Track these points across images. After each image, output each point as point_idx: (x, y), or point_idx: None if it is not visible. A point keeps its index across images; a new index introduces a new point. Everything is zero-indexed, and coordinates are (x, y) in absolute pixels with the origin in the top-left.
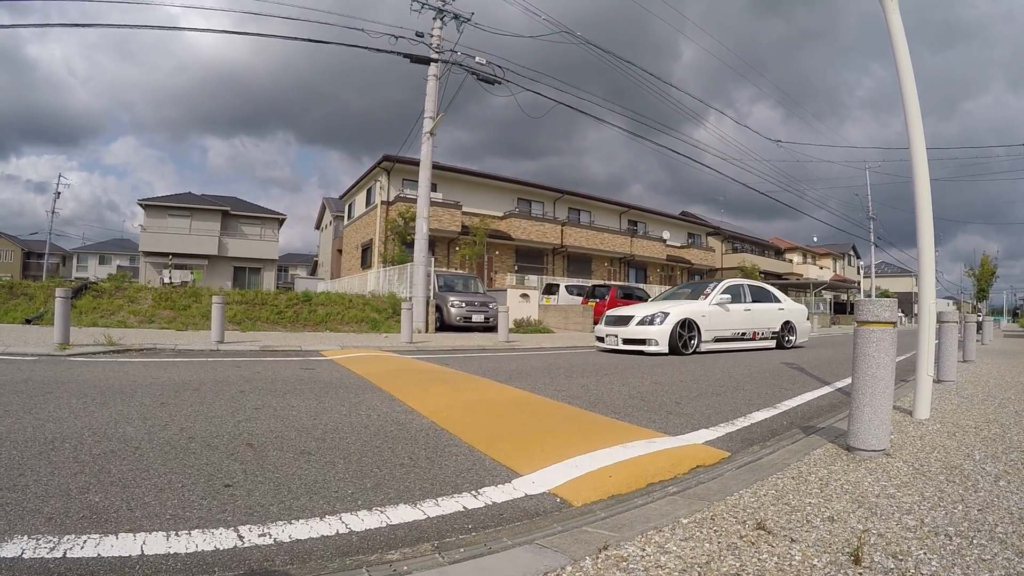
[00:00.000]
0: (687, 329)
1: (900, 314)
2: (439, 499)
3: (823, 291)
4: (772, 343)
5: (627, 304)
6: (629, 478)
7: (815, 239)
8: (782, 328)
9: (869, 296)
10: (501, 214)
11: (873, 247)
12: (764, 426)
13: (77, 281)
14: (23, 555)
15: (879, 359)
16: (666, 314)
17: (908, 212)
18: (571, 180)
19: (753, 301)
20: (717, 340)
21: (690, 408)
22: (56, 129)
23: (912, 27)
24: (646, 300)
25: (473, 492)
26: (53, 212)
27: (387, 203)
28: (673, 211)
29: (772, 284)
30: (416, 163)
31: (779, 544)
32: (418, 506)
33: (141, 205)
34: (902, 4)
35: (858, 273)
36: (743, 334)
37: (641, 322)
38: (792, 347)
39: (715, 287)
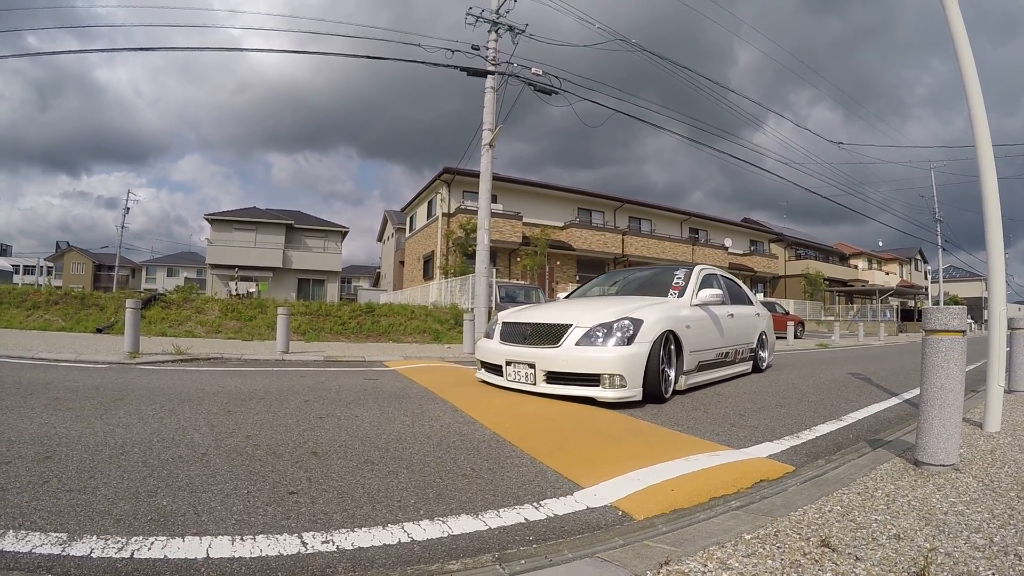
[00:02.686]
0: (666, 351)
1: (969, 320)
2: (500, 510)
3: (889, 298)
4: (748, 365)
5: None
6: (691, 492)
7: (880, 243)
8: (758, 343)
9: (937, 302)
10: (561, 224)
11: (940, 251)
12: (829, 439)
13: (146, 292)
14: (92, 554)
15: (948, 369)
16: (635, 323)
17: (976, 213)
18: (631, 189)
19: (732, 301)
20: (701, 367)
21: (754, 420)
22: (125, 148)
23: (971, 19)
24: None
25: (534, 504)
26: (123, 227)
27: (448, 215)
28: (735, 218)
29: (836, 291)
30: (476, 175)
31: (843, 562)
32: (479, 517)
33: (207, 219)
34: None
35: (925, 278)
36: (725, 355)
37: (588, 338)
38: (766, 369)
39: (688, 277)
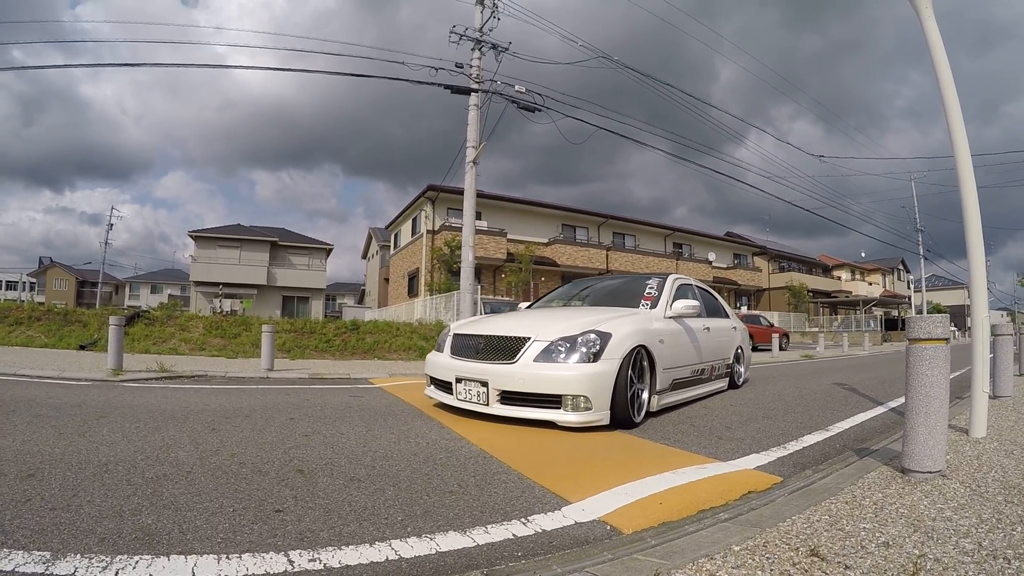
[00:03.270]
0: (637, 369)
1: (953, 328)
2: (488, 526)
3: (873, 308)
4: (725, 382)
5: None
6: (680, 505)
7: (863, 255)
8: (735, 358)
9: (920, 311)
10: (546, 240)
11: (923, 260)
12: (816, 449)
13: (130, 309)
14: (76, 573)
15: (932, 377)
16: (603, 337)
17: (957, 222)
18: (615, 205)
19: (708, 314)
20: (675, 386)
21: (740, 432)
22: (109, 164)
23: (948, 32)
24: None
25: (522, 519)
26: (106, 243)
27: (432, 232)
28: (718, 232)
29: (820, 303)
30: (460, 192)
31: (833, 571)
32: (467, 533)
33: (192, 236)
34: (937, 9)
35: (908, 288)
36: (701, 372)
37: (548, 354)
38: (743, 384)
39: (662, 287)
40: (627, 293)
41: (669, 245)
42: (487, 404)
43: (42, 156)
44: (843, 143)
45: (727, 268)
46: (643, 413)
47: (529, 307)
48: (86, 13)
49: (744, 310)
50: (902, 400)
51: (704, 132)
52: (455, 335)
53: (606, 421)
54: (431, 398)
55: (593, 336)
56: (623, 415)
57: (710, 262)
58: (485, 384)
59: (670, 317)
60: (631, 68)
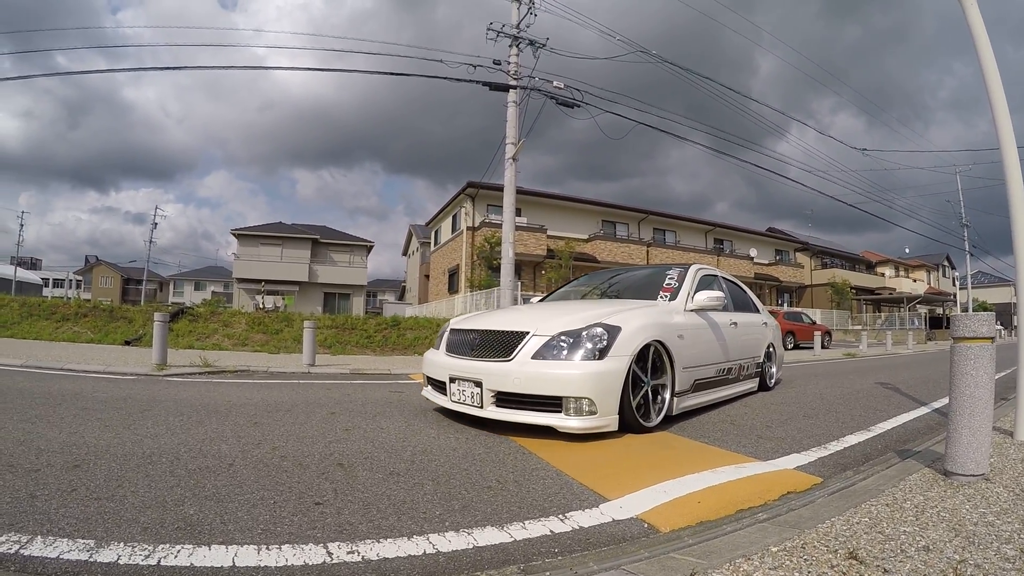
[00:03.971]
0: (651, 367)
1: (999, 327)
2: (526, 522)
3: (917, 305)
4: (754, 383)
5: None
6: (718, 504)
7: (907, 250)
8: (766, 357)
9: (966, 309)
10: (586, 236)
11: (968, 256)
12: (858, 450)
13: (174, 306)
14: (119, 560)
15: (977, 377)
16: (611, 331)
17: (1003, 217)
18: (655, 200)
19: (736, 308)
20: (697, 387)
21: (781, 432)
22: (153, 165)
23: (992, 19)
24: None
25: (560, 516)
26: (151, 241)
27: (472, 229)
28: (760, 227)
29: (863, 300)
30: (500, 189)
31: (872, 575)
32: (505, 529)
33: (234, 235)
34: None
35: (953, 285)
36: (727, 371)
37: (548, 350)
38: (775, 386)
39: (683, 277)
40: (647, 285)
41: (710, 241)
42: (481, 407)
43: (87, 158)
44: (886, 136)
45: (769, 264)
46: (660, 417)
47: (542, 299)
48: (127, 19)
49: (786, 307)
50: (946, 400)
51: (744, 126)
52: (451, 330)
53: (614, 427)
54: (428, 400)
55: (599, 330)
56: (634, 420)
57: (751, 258)
58: (479, 384)
59: (691, 310)
60: (669, 62)
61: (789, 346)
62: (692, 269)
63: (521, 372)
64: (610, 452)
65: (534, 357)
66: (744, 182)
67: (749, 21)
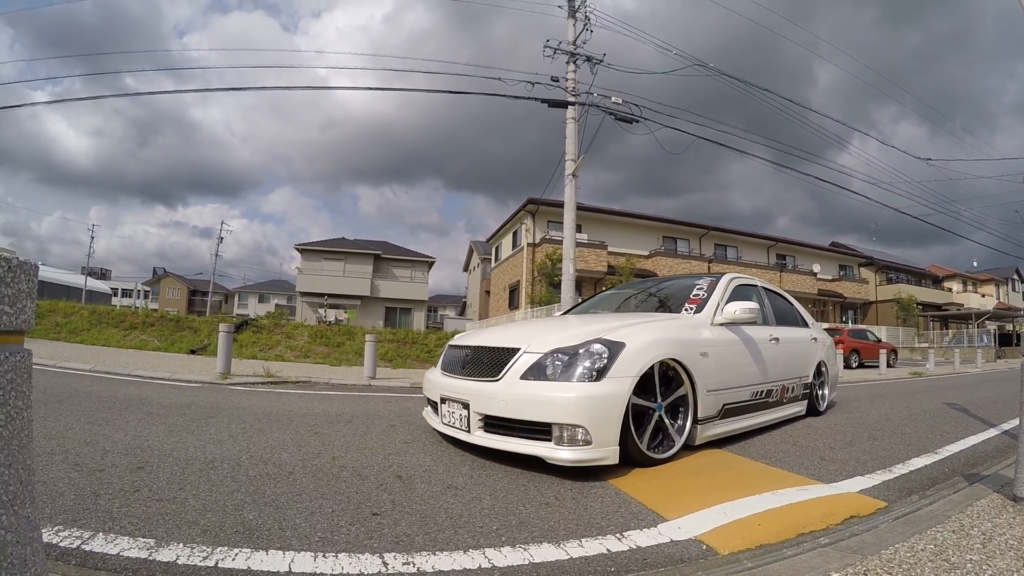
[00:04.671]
0: (662, 389)
1: None
2: (583, 540)
3: (986, 321)
4: (801, 406)
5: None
6: (778, 527)
7: (975, 264)
8: (815, 376)
9: None
10: (647, 253)
11: None
12: (924, 473)
13: (238, 317)
14: (177, 560)
15: None
16: (612, 348)
17: None
18: (716, 215)
19: (777, 322)
20: (727, 412)
21: (844, 454)
22: (219, 182)
23: None
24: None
25: (617, 535)
26: (216, 255)
27: (533, 245)
28: (822, 242)
29: (929, 316)
30: (560, 205)
31: None
32: (561, 546)
33: (298, 249)
34: None
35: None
36: (767, 394)
37: (539, 369)
38: (827, 410)
39: (713, 287)
40: (675, 296)
41: (772, 256)
42: (469, 431)
43: (156, 174)
44: (950, 144)
45: (832, 280)
46: (676, 448)
47: (565, 312)
48: (193, 42)
49: (850, 324)
50: (1016, 422)
51: (805, 138)
52: (448, 346)
53: (613, 460)
54: (427, 421)
55: (599, 347)
56: (639, 452)
57: (815, 274)
58: (467, 406)
59: (721, 324)
60: (727, 74)
61: (854, 364)
62: (725, 278)
63: (508, 394)
64: (670, 471)
65: (523, 377)
66: (806, 196)
67: (806, 30)
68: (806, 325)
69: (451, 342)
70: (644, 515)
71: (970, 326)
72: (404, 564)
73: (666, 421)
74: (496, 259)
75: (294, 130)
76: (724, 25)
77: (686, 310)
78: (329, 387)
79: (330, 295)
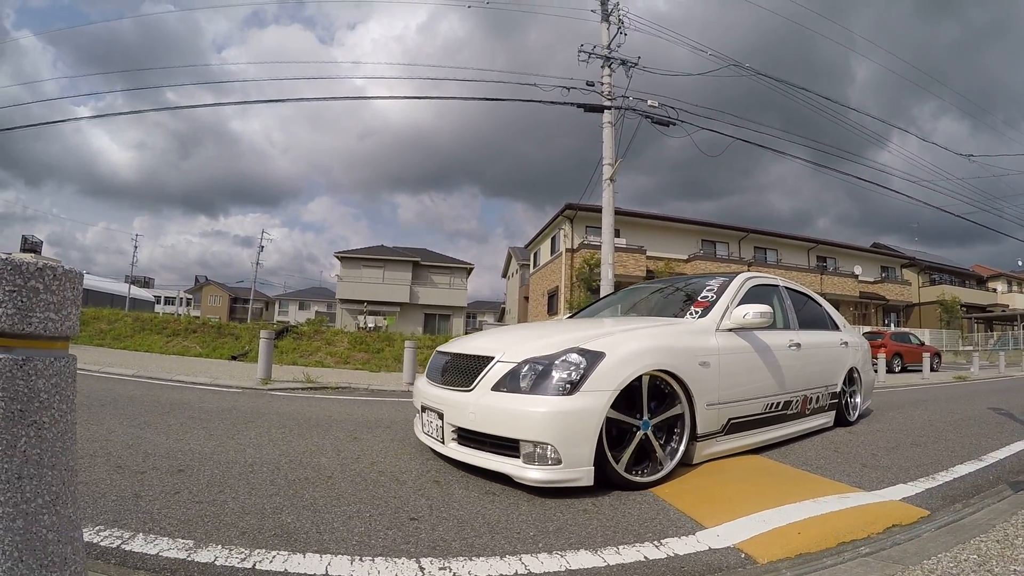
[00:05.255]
0: (652, 404)
1: None
2: (620, 547)
3: None
4: (829, 417)
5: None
6: (819, 535)
7: (1020, 263)
8: (846, 384)
9: None
10: (686, 257)
11: None
12: (968, 481)
13: (279, 324)
14: (215, 562)
15: None
16: (590, 358)
17: None
18: (755, 218)
19: (801, 326)
20: (733, 427)
21: (886, 460)
22: (259, 192)
23: None
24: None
25: (655, 542)
26: (257, 263)
27: (571, 250)
28: (864, 243)
29: (974, 318)
30: (598, 210)
31: None
32: (598, 553)
33: (337, 257)
34: None
35: None
36: (785, 405)
37: (512, 380)
38: (857, 419)
39: (723, 289)
40: (683, 299)
41: (812, 259)
42: (443, 442)
43: (198, 185)
44: (992, 140)
45: (874, 282)
46: (668, 469)
47: (571, 316)
48: (231, 56)
49: (893, 327)
50: None
51: (844, 136)
52: (435, 352)
53: (587, 481)
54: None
55: (575, 357)
56: (617, 475)
57: (856, 276)
58: (441, 416)
59: (728, 330)
60: (763, 74)
61: (896, 369)
62: (739, 278)
63: (478, 405)
64: (709, 479)
65: (494, 388)
66: (846, 196)
67: (842, 26)
68: (836, 328)
69: (439, 348)
70: (682, 522)
71: (1016, 328)
72: (440, 569)
73: (653, 440)
74: (534, 265)
75: (333, 140)
76: (758, 23)
77: (691, 314)
78: (368, 393)
79: (369, 302)
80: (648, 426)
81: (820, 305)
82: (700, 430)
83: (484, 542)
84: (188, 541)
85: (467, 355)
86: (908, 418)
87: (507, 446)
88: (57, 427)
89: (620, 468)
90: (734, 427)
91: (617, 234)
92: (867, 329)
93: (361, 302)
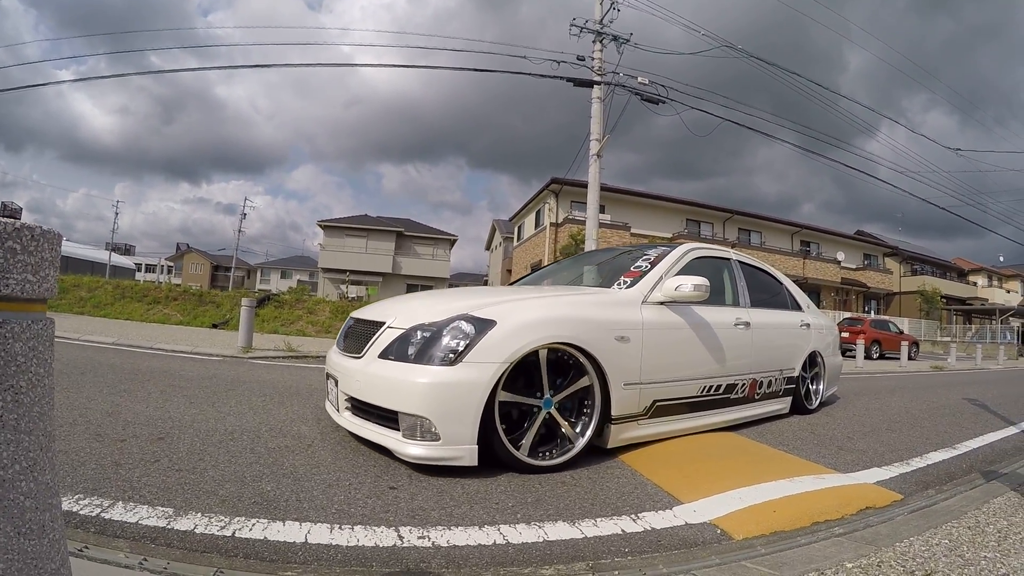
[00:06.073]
0: (557, 380)
1: None
2: (598, 520)
3: (1010, 318)
4: (784, 403)
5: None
6: (794, 515)
7: (1001, 259)
8: (806, 369)
9: None
10: (670, 235)
11: None
12: (941, 468)
13: (260, 293)
14: (195, 530)
15: None
16: (479, 326)
17: None
18: (740, 200)
19: (755, 304)
20: (660, 410)
21: (862, 444)
22: (243, 159)
23: None
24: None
25: (632, 516)
26: (239, 231)
27: (556, 225)
28: (847, 230)
29: (953, 310)
30: (584, 185)
31: None
32: (576, 525)
33: (320, 226)
34: None
35: None
36: (729, 388)
37: (401, 346)
38: (819, 406)
39: (662, 257)
40: (619, 268)
41: (796, 243)
42: (339, 411)
43: (181, 152)
44: (980, 136)
45: (856, 269)
46: (573, 453)
47: (513, 283)
48: (217, 20)
49: (873, 315)
50: None
51: (833, 123)
52: (348, 320)
53: (469, 461)
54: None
55: (463, 325)
56: (508, 455)
57: (839, 262)
58: (337, 383)
59: (658, 303)
60: (755, 56)
61: (875, 355)
62: (680, 249)
63: (363, 373)
64: (687, 454)
65: (381, 356)
66: (832, 183)
67: (838, 14)
68: (798, 308)
69: (352, 315)
70: (660, 497)
71: (993, 321)
72: (419, 538)
73: (558, 418)
74: (518, 238)
75: (318, 107)
76: (754, 5)
77: (618, 284)
78: None
79: (352, 271)
80: (551, 404)
81: (780, 282)
82: (616, 411)
83: (463, 512)
84: (168, 509)
85: (364, 320)
86: (884, 404)
87: (390, 418)
88: (35, 392)
89: (521, 452)
90: (661, 410)
91: (602, 210)
92: (847, 315)
93: (344, 271)
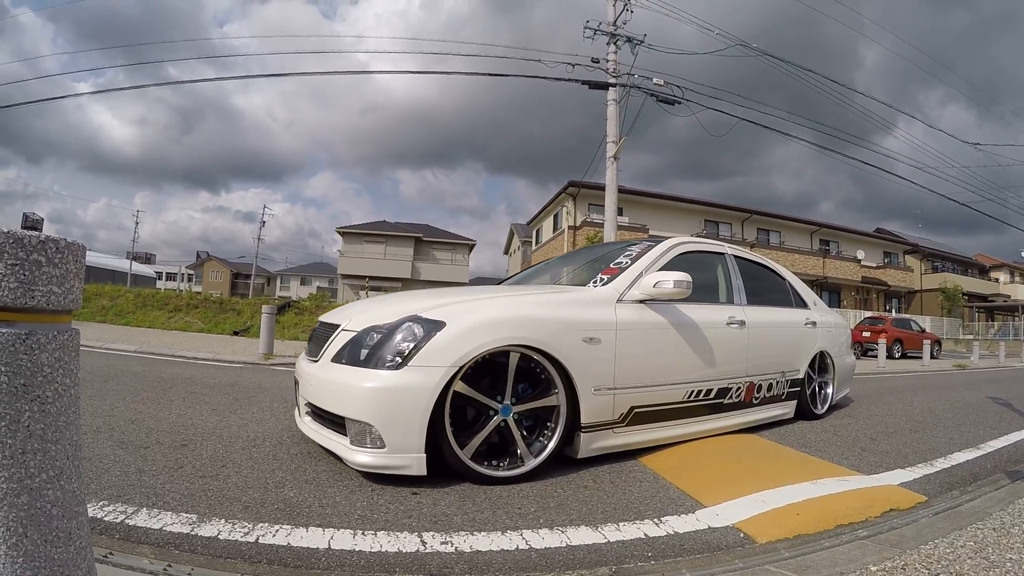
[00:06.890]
0: (521, 386)
1: None
2: (620, 524)
3: None
4: (787, 407)
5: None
6: (817, 517)
7: (1022, 254)
8: (814, 370)
9: None
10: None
11: None
12: (965, 468)
13: (281, 300)
14: (219, 536)
15: None
16: (427, 328)
17: None
18: (758, 199)
19: (753, 301)
20: (638, 417)
21: (886, 445)
22: (262, 167)
23: None
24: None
25: (655, 520)
26: (259, 238)
27: (574, 228)
28: (867, 228)
29: (975, 307)
30: (601, 188)
31: None
32: (599, 529)
33: (339, 232)
34: None
35: None
36: (722, 392)
37: (353, 349)
38: (827, 411)
39: (644, 252)
40: (600, 265)
41: (815, 242)
42: (300, 415)
43: (200, 161)
44: (999, 129)
45: (876, 267)
46: (537, 462)
47: (503, 281)
48: (233, 31)
49: (894, 313)
50: None
51: (850, 120)
52: (317, 323)
53: (418, 470)
54: None
55: (412, 327)
56: (460, 463)
57: (859, 261)
58: (297, 387)
59: (637, 301)
60: (770, 54)
61: (897, 355)
62: (665, 243)
63: (317, 377)
64: (708, 457)
65: (334, 359)
66: (850, 180)
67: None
68: (803, 306)
69: (320, 319)
70: (682, 501)
71: (1016, 318)
72: (442, 544)
73: (514, 430)
74: (537, 242)
75: (335, 115)
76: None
77: (594, 282)
78: None
79: (371, 277)
80: (509, 412)
81: (783, 278)
82: (586, 419)
83: (486, 517)
84: (191, 515)
85: (325, 323)
86: (907, 404)
87: (340, 423)
88: (61, 401)
89: (466, 453)
90: (641, 417)
91: (620, 212)
92: (869, 314)
93: (363, 277)
